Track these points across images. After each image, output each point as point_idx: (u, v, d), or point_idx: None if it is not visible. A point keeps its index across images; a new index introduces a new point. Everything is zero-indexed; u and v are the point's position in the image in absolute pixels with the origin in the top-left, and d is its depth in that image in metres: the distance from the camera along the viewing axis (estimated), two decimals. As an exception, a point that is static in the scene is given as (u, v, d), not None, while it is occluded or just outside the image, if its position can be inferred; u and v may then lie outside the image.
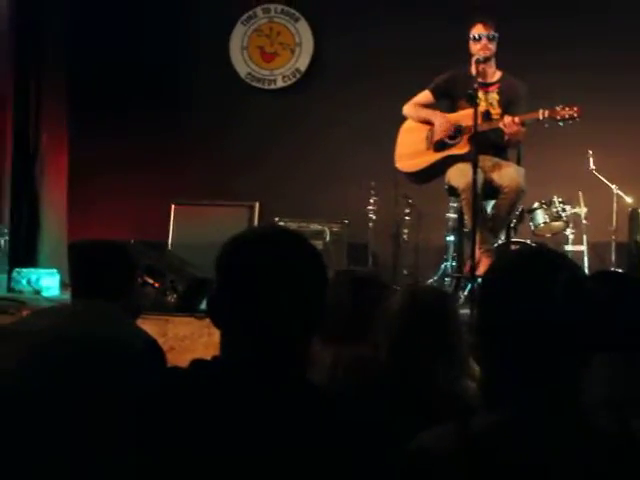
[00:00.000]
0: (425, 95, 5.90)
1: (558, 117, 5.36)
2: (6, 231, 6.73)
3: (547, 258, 1.64)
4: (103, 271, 2.82)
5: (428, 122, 5.87)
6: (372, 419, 1.56)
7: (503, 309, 1.59)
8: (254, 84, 8.31)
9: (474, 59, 5.53)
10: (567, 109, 5.35)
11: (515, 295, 1.58)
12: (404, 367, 2.23)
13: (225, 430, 1.49)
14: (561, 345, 1.56)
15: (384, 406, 1.90)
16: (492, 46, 5.61)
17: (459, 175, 5.55)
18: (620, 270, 6.04)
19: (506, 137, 5.56)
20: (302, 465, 1.46)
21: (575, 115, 5.34)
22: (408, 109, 5.96)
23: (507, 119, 5.43)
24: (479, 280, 5.44)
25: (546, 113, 5.38)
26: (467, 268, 5.75)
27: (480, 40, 5.59)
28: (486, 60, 5.57)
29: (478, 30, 5.60)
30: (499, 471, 1.49)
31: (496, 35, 5.61)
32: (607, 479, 1.48)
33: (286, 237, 1.65)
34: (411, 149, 5.93)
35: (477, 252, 5.37)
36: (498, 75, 5.78)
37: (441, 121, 5.76)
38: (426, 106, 5.92)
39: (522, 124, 5.45)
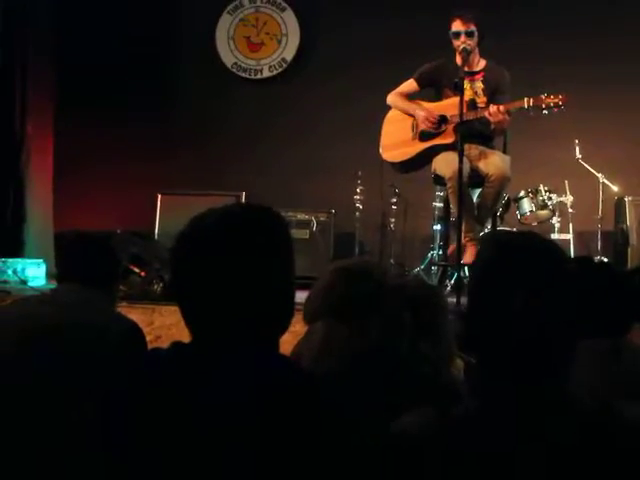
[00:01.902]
0: (409, 84, 5.88)
1: (543, 105, 5.35)
2: (-8, 221, 6.71)
3: (535, 245, 1.64)
4: (87, 258, 2.83)
5: (410, 114, 5.86)
6: (354, 401, 1.56)
7: (491, 297, 1.59)
8: (240, 74, 8.30)
9: (458, 49, 5.54)
10: (552, 97, 5.35)
11: (503, 283, 1.58)
12: (391, 352, 2.23)
13: (203, 409, 1.48)
14: (548, 333, 1.56)
15: (370, 389, 1.90)
16: (471, 41, 5.59)
17: (445, 164, 5.54)
18: (604, 259, 6.07)
19: (492, 126, 5.56)
20: (283, 446, 1.46)
21: (560, 103, 5.34)
22: (392, 98, 5.95)
23: (492, 108, 5.42)
24: (466, 268, 5.47)
25: (531, 101, 5.38)
26: (450, 251, 5.76)
27: (459, 37, 5.59)
28: (469, 52, 5.57)
29: (456, 26, 5.59)
30: (478, 455, 1.49)
31: (474, 30, 5.59)
32: (592, 462, 1.49)
33: (246, 213, 1.61)
34: (396, 139, 5.92)
35: (463, 240, 5.39)
36: (482, 64, 5.77)
37: (423, 114, 5.74)
38: (410, 95, 5.91)
39: (507, 113, 5.45)
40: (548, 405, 1.53)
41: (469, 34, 5.57)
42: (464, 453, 1.49)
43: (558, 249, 1.67)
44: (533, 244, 1.65)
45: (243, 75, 8.30)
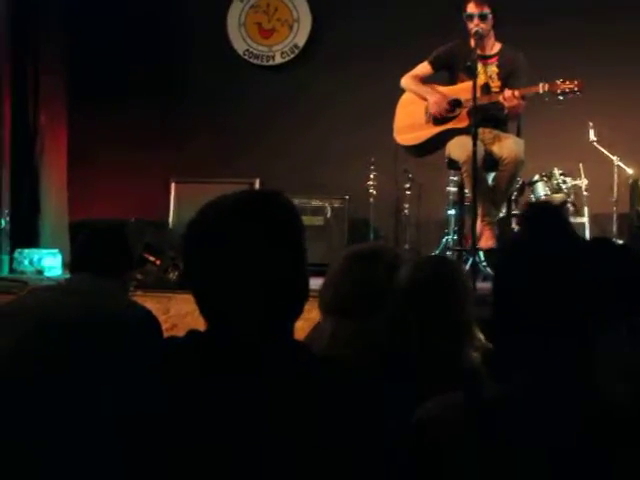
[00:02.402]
0: (424, 67, 5.86)
1: (558, 90, 5.33)
2: (7, 212, 6.73)
3: (561, 228, 1.64)
4: (102, 247, 2.85)
5: (423, 98, 5.84)
6: (371, 386, 1.55)
7: (519, 279, 1.59)
8: (252, 61, 8.27)
9: (472, 32, 5.51)
10: (567, 83, 5.32)
11: (531, 265, 1.57)
12: (405, 337, 2.23)
13: (220, 397, 1.49)
14: (576, 314, 1.56)
15: (383, 376, 1.90)
16: (485, 25, 5.56)
17: (459, 148, 5.53)
18: (620, 241, 6.04)
19: (506, 111, 5.54)
20: (300, 434, 1.46)
21: (576, 89, 5.31)
22: (406, 81, 5.92)
23: (507, 93, 5.39)
24: (481, 253, 5.46)
25: (546, 87, 5.35)
26: (468, 241, 5.75)
27: (472, 19, 5.55)
28: (482, 36, 5.54)
29: (470, 9, 5.56)
30: (509, 440, 1.49)
31: (488, 13, 5.56)
32: (615, 451, 1.48)
33: (256, 199, 1.60)
34: (410, 122, 5.90)
35: (479, 224, 5.38)
36: (497, 47, 5.74)
37: (433, 99, 5.72)
38: (425, 78, 5.88)
39: (522, 98, 5.43)
40: (574, 392, 1.52)
41: (482, 17, 5.54)
42: (502, 437, 1.49)
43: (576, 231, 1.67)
44: (560, 227, 1.64)
45: (255, 62, 8.28)
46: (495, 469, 1.47)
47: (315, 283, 2.96)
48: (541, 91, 5.37)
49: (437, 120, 5.79)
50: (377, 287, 2.47)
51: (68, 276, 3.02)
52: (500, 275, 1.67)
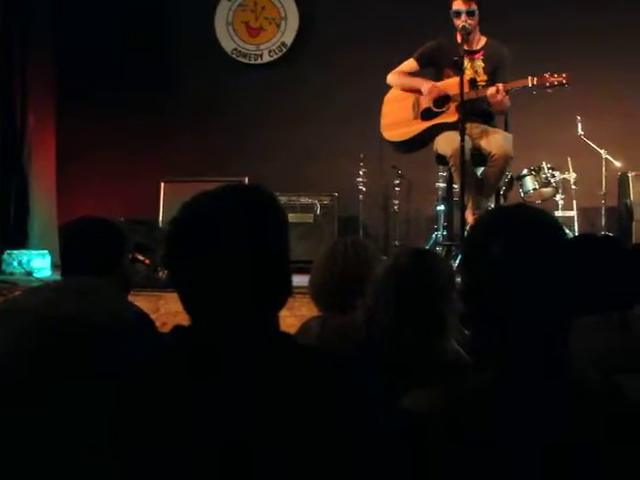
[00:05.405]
0: (410, 63, 5.87)
1: (547, 84, 5.37)
2: (-4, 213, 6.73)
3: (528, 218, 1.63)
4: (93, 246, 2.83)
5: (414, 90, 5.84)
6: (356, 378, 1.56)
7: (485, 270, 1.58)
8: (240, 59, 8.27)
9: (458, 27, 5.53)
10: (556, 76, 5.36)
11: (497, 255, 1.56)
12: (385, 329, 2.24)
13: (209, 392, 1.49)
14: (545, 306, 1.56)
15: (367, 369, 1.91)
16: (472, 21, 5.59)
17: (447, 143, 5.54)
18: (609, 234, 6.06)
19: (492, 107, 5.58)
20: (287, 424, 1.46)
21: (564, 82, 5.35)
22: (393, 77, 5.94)
23: (491, 90, 5.43)
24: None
25: (535, 80, 5.39)
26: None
27: (460, 16, 5.57)
28: (469, 32, 5.56)
29: (458, 5, 5.58)
30: (482, 432, 1.49)
31: (475, 10, 5.58)
32: (595, 435, 1.49)
33: (236, 194, 1.61)
34: (397, 118, 5.91)
35: (470, 217, 5.39)
36: (483, 42, 5.77)
37: (428, 87, 5.73)
38: (411, 74, 5.90)
39: (506, 93, 5.46)
40: (548, 379, 1.53)
41: (470, 13, 5.56)
42: (475, 430, 1.49)
43: (550, 219, 1.66)
44: (527, 216, 1.64)
45: (243, 60, 8.28)
46: (465, 463, 1.48)
47: (305, 280, 2.98)
48: (530, 84, 5.40)
49: (425, 115, 5.80)
50: (362, 275, 2.50)
51: (58, 277, 3.01)
52: (467, 266, 1.67)
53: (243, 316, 1.55)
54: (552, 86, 5.37)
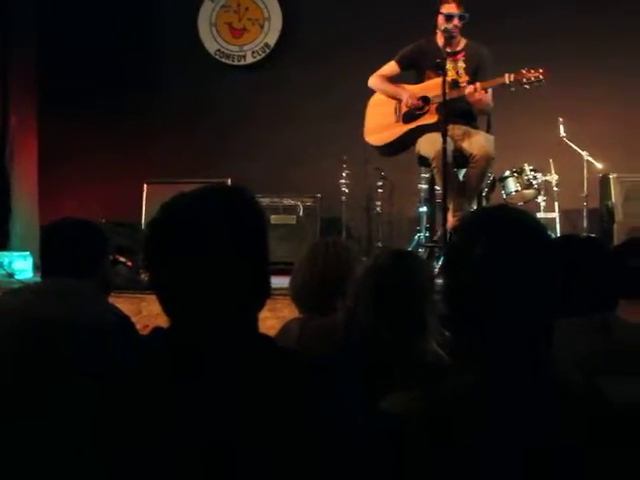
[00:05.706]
0: (391, 66, 5.89)
1: (524, 80, 5.42)
2: (-23, 215, 6.69)
3: (510, 219, 1.64)
4: (73, 248, 2.82)
5: (394, 98, 5.86)
6: (335, 379, 1.56)
7: (467, 271, 1.58)
8: (223, 60, 8.27)
9: (442, 29, 5.54)
10: (532, 71, 5.42)
11: (479, 256, 1.56)
12: (364, 330, 2.24)
13: (190, 393, 1.49)
14: (527, 307, 1.56)
15: (347, 370, 1.90)
16: (461, 24, 5.63)
17: (429, 145, 5.56)
18: (592, 235, 6.08)
19: (473, 105, 5.60)
20: (268, 425, 1.46)
21: (540, 77, 5.40)
22: (374, 81, 5.95)
23: (469, 88, 5.47)
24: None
25: (512, 77, 5.44)
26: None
27: (452, 19, 5.58)
28: (452, 35, 5.58)
29: (451, 9, 5.59)
30: (462, 434, 1.49)
31: (466, 15, 5.61)
32: (576, 437, 1.49)
33: (215, 195, 1.60)
34: (380, 122, 5.93)
35: (451, 219, 5.40)
36: (463, 43, 5.79)
37: (406, 97, 5.75)
38: (392, 77, 5.91)
39: (485, 90, 5.49)
40: (530, 380, 1.53)
41: (462, 17, 5.60)
42: (451, 432, 1.49)
43: (532, 220, 1.66)
44: (509, 218, 1.64)
45: (226, 62, 8.27)
46: (445, 465, 1.48)
47: (288, 282, 2.97)
48: (507, 81, 5.44)
49: (406, 118, 5.82)
50: (342, 276, 2.50)
51: (39, 279, 3.00)
52: (448, 269, 1.67)
53: (223, 318, 1.55)
54: (530, 82, 5.42)
